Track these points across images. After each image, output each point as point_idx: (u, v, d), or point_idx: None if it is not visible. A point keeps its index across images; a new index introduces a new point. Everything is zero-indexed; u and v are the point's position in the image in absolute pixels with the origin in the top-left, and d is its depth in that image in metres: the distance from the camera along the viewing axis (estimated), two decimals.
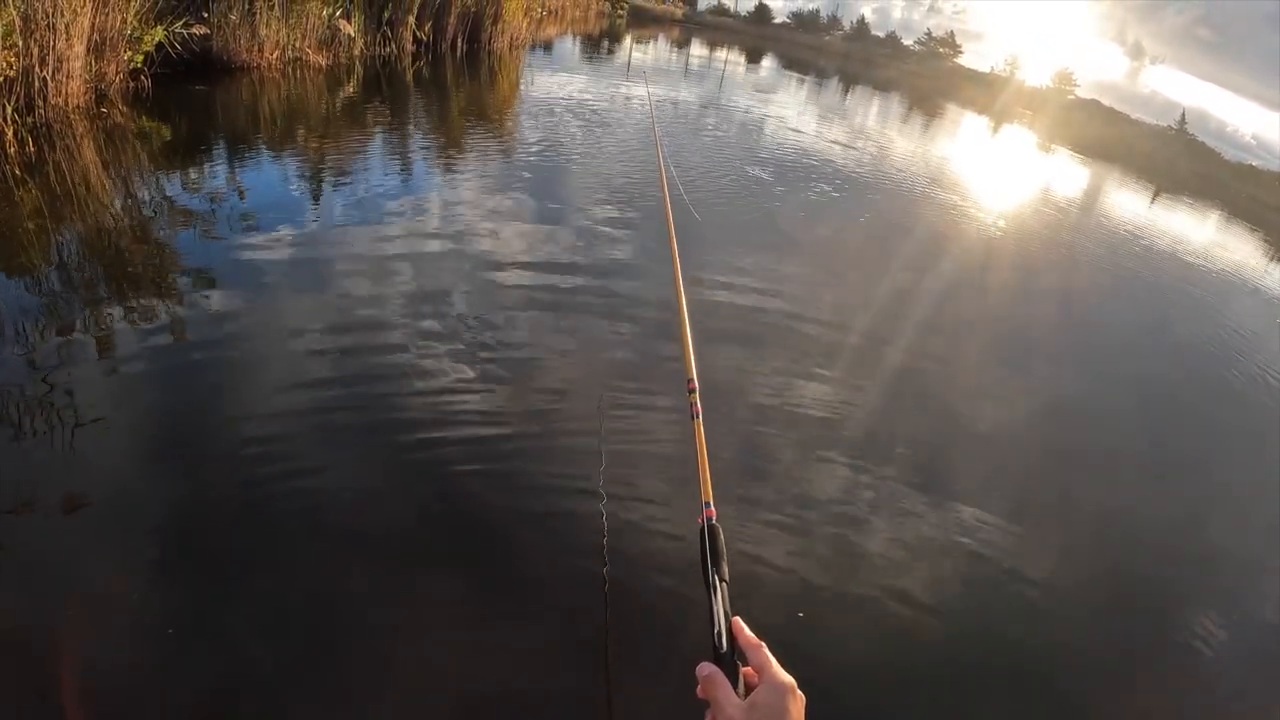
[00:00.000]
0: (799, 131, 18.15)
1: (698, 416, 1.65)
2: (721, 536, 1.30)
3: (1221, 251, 19.16)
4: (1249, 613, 5.22)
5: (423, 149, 9.84)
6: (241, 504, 3.58)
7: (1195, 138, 50.40)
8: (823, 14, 70.50)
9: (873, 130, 23.01)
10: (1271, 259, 21.28)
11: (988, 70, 60.74)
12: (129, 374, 4.24)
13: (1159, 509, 5.99)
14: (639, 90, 18.23)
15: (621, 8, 39.93)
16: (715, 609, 1.17)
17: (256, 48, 11.24)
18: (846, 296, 8.12)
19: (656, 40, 34.47)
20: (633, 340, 5.93)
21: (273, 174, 7.70)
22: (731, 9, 65.49)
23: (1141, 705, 4.14)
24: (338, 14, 13.07)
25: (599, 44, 25.71)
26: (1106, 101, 55.91)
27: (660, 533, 4.05)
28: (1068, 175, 25.42)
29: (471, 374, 5.01)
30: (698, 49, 38.16)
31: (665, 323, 6.24)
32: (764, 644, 1.12)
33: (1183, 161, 44.07)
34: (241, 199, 6.76)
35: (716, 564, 1.25)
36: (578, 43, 25.01)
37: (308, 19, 12.24)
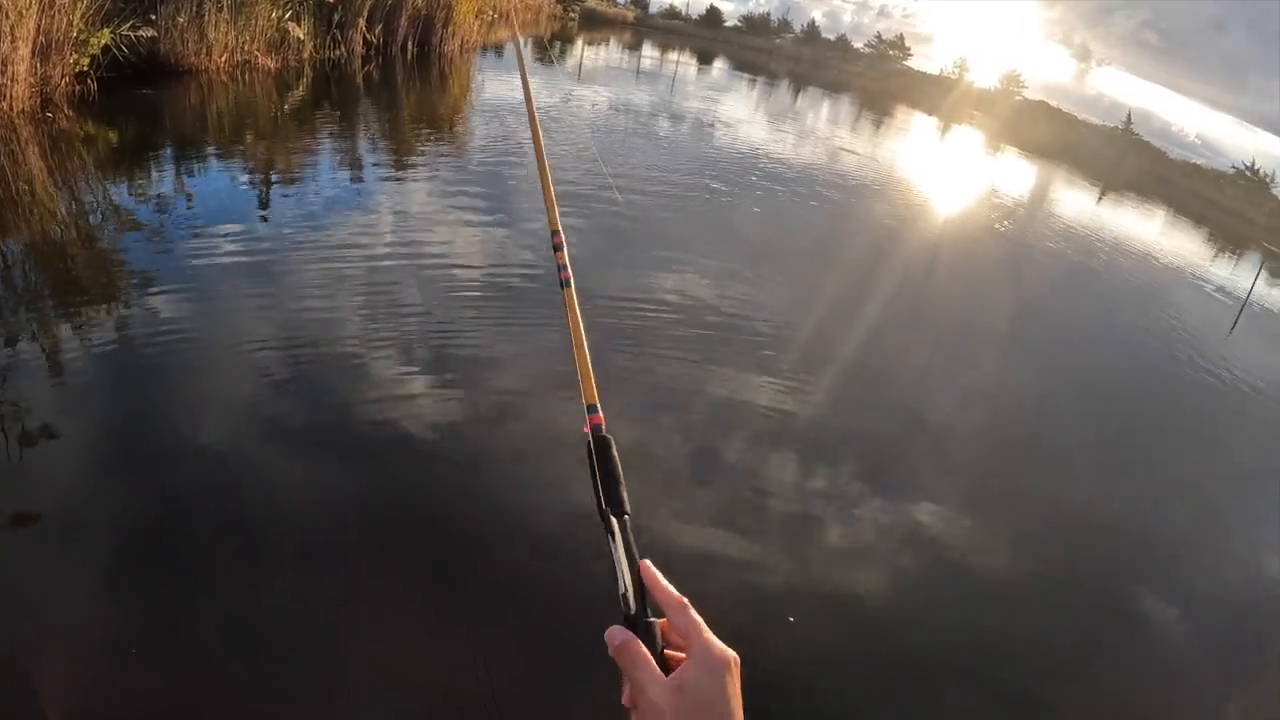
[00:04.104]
0: (749, 132, 18.34)
1: (568, 284, 1.27)
2: (615, 452, 1.00)
3: (1167, 246, 19.63)
4: (1199, 595, 5.40)
5: (372, 154, 9.89)
6: (195, 514, 3.56)
7: (1141, 137, 51.25)
8: (774, 17, 71.03)
9: (822, 131, 23.28)
10: (1215, 253, 21.83)
11: (937, 72, 61.51)
12: (76, 384, 4.21)
13: (1108, 496, 6.16)
14: (588, 93, 18.33)
15: (573, 11, 39.96)
16: (616, 555, 0.91)
17: (205, 51, 11.19)
18: (795, 294, 8.26)
19: (608, 43, 34.56)
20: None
21: (221, 180, 7.68)
22: (683, 12, 65.76)
23: (1096, 689, 4.25)
24: (287, 16, 13.02)
25: (550, 47, 25.73)
26: (1054, 102, 56.77)
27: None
28: (1016, 174, 25.87)
29: (424, 377, 5.04)
30: (649, 51, 38.34)
31: (617, 327, 6.34)
32: (687, 601, 0.89)
33: (1129, 160, 44.91)
34: (189, 205, 6.73)
35: (612, 491, 0.95)
36: (529, 46, 25.01)
37: (257, 21, 12.19)
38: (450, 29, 19.47)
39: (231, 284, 5.57)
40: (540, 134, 1.58)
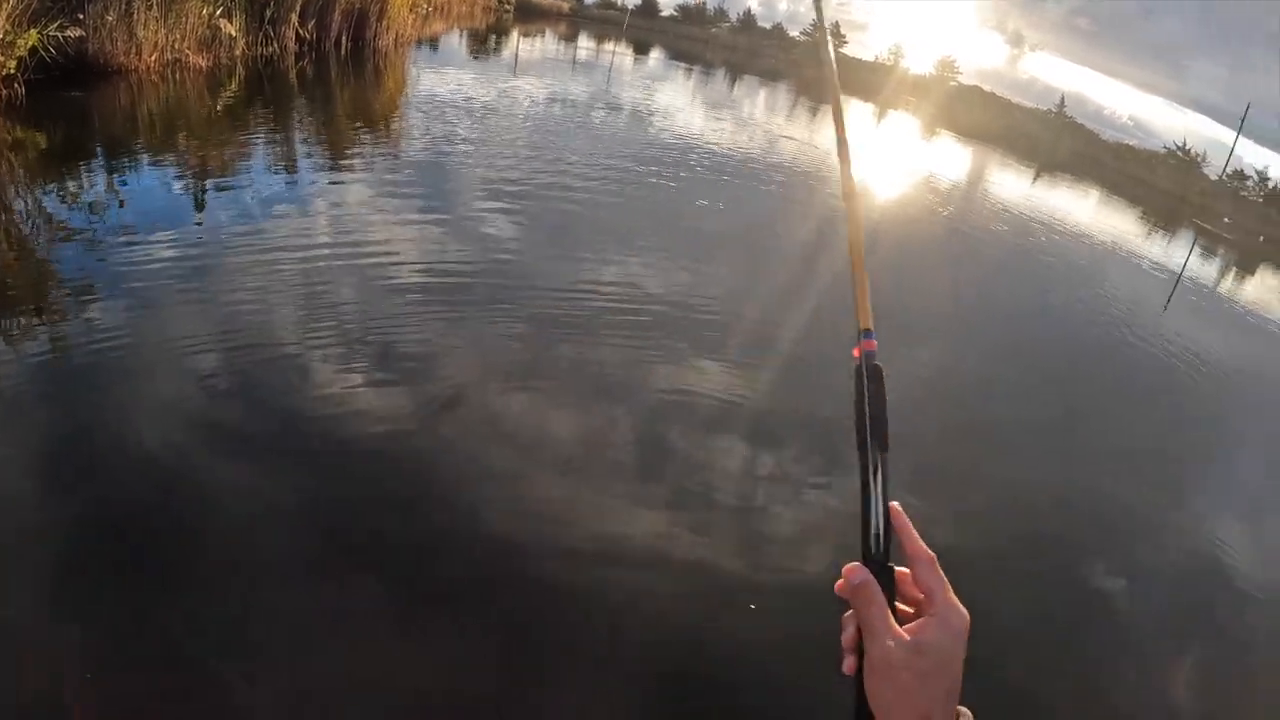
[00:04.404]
0: (687, 121, 18.51)
1: (848, 160, 1.01)
2: (884, 384, 0.92)
3: (1102, 226, 20.14)
4: (1148, 563, 5.60)
5: (308, 153, 9.89)
6: (140, 527, 3.50)
7: (1074, 119, 52.27)
8: (709, 6, 71.09)
9: (760, 118, 23.52)
10: (1149, 231, 22.43)
11: (872, 59, 61.98)
12: (8, 395, 4.13)
13: (1055, 471, 6.36)
14: (525, 85, 18.34)
15: (508, 3, 39.77)
16: (874, 492, 0.87)
17: (134, 50, 11.05)
18: (737, 281, 8.43)
19: (544, 35, 34.47)
20: (524, 332, 6.08)
21: (154, 182, 7.62)
22: (619, 3, 65.56)
23: (1052, 660, 4.40)
24: (218, 13, 12.88)
25: (485, 40, 25.63)
26: (988, 87, 57.64)
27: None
28: (953, 158, 26.35)
29: (369, 375, 5.04)
30: (586, 42, 38.29)
31: (562, 318, 6.44)
32: (935, 556, 0.86)
33: (1063, 142, 45.93)
34: (122, 210, 6.69)
35: (879, 425, 0.89)
36: (464, 39, 24.91)
37: (187, 19, 12.05)
38: (385, 23, 19.31)
39: (169, 288, 5.52)
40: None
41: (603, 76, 25.15)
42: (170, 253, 6.05)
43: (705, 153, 14.71)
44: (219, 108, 11.05)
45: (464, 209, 8.40)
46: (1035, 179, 27.06)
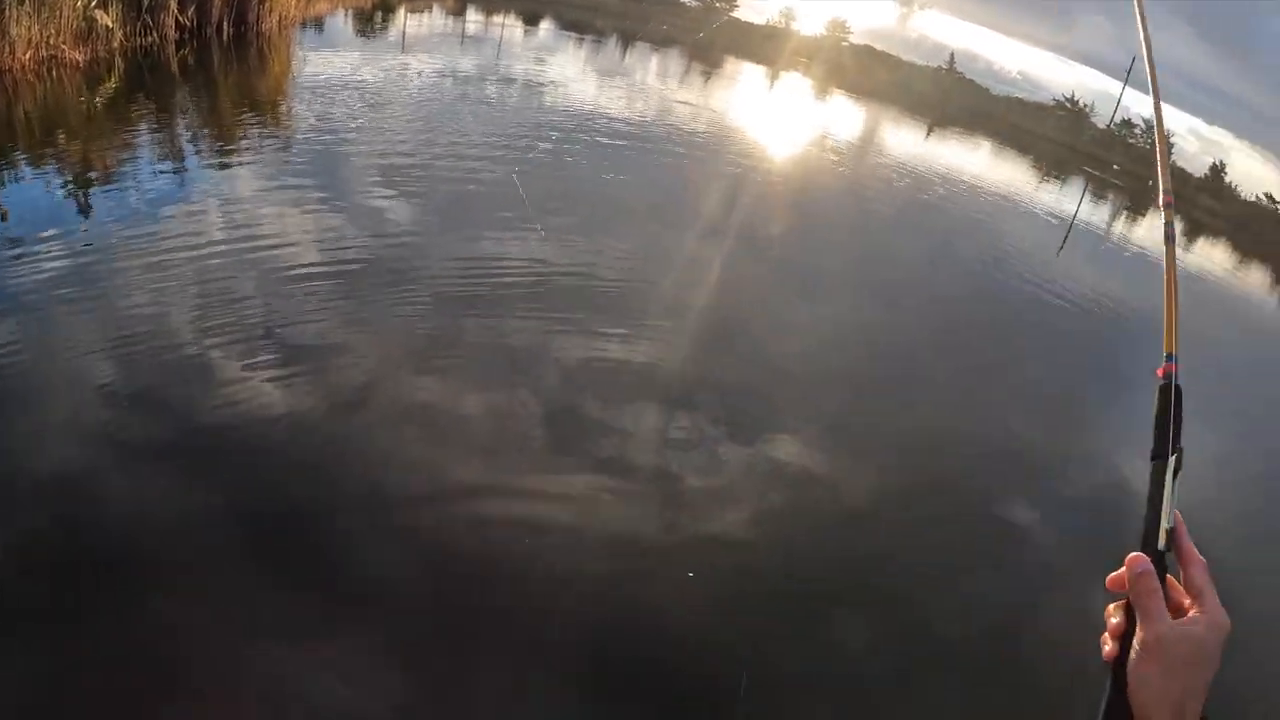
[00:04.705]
0: (582, 91, 18.75)
1: (1173, 240, 1.19)
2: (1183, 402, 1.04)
3: (996, 177, 20.88)
4: (1055, 495, 5.93)
5: (194, 145, 9.93)
6: (39, 551, 3.48)
7: (964, 75, 53.56)
8: None
9: (655, 85, 23.78)
10: (1041, 180, 23.30)
11: (764, 22, 62.24)
12: None
13: (961, 414, 6.69)
14: (414, 62, 18.28)
15: None
16: (1168, 493, 0.97)
17: (7, 48, 10.87)
18: (641, 248, 8.67)
19: (431, 10, 34.01)
20: (428, 313, 6.23)
21: (35, 186, 7.46)
22: None
23: (970, 594, 4.66)
24: (94, 4, 12.64)
25: (372, 18, 25.30)
26: (879, 46, 58.44)
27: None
28: (847, 117, 26.98)
29: (269, 370, 5.07)
30: (474, 15, 37.88)
31: (466, 295, 6.59)
32: (1207, 563, 0.94)
33: (954, 98, 47.26)
34: (2, 217, 6.51)
35: (1178, 436, 1.01)
36: (350, 17, 24.55)
37: (61, 12, 11.83)
38: (268, 5, 18.99)
39: (59, 297, 5.43)
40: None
41: (493, 50, 25.08)
42: (58, 262, 5.94)
43: (600, 122, 14.97)
44: (99, 104, 10.96)
45: (359, 192, 8.50)
46: (929, 134, 27.87)
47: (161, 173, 8.38)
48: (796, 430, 5.75)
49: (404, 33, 24.98)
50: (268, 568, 3.70)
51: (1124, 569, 0.93)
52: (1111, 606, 0.96)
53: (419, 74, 16.98)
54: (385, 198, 8.40)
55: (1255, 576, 5.50)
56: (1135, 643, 0.89)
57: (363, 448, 4.60)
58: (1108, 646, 0.93)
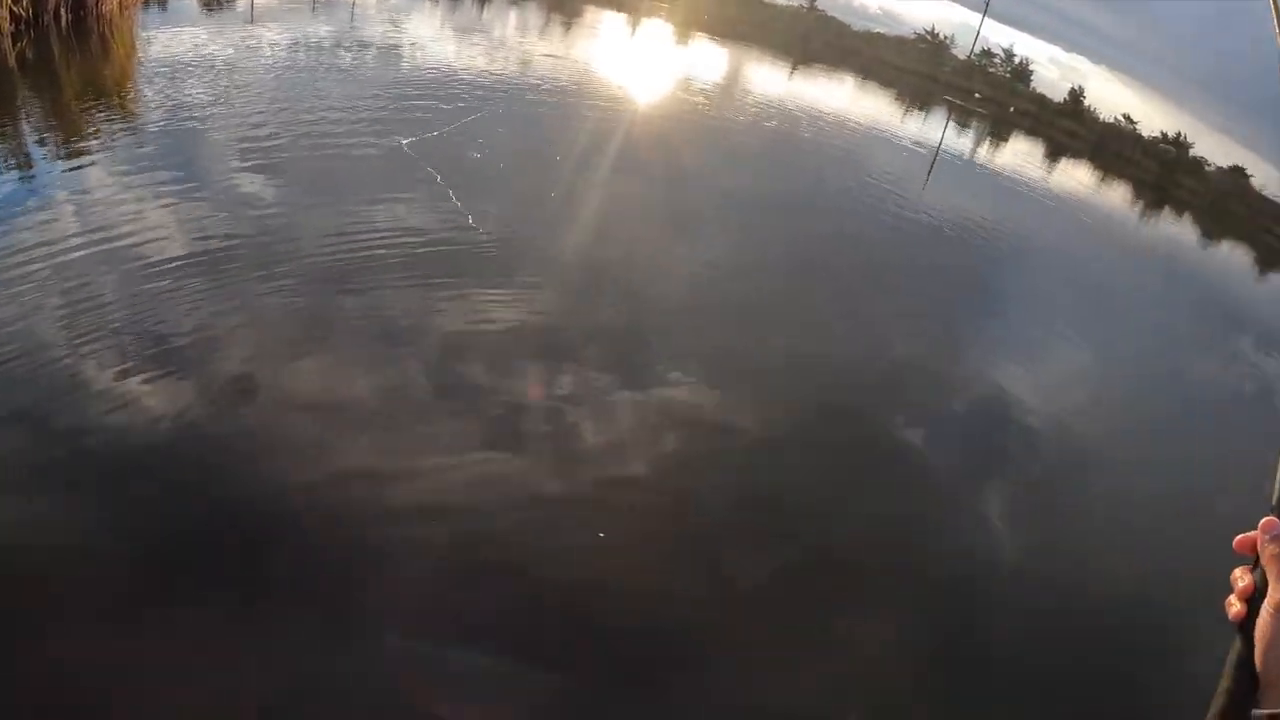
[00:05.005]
0: (442, 50, 18.91)
1: None
2: None
3: (862, 111, 21.36)
4: (941, 412, 6.20)
5: (39, 141, 9.59)
6: None
7: (825, 13, 54.15)
8: None
9: (515, 40, 23.68)
10: (905, 112, 23.92)
11: None
12: None
13: (843, 342, 6.91)
14: (265, 34, 17.88)
15: None
16: None
17: None
18: (512, 204, 8.86)
19: None
20: (302, 291, 6.21)
21: None
22: None
23: (866, 517, 4.91)
24: None
25: None
26: None
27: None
28: (711, 59, 27.13)
29: (143, 369, 5.03)
30: None
31: (339, 270, 6.57)
32: None
33: (815, 35, 47.93)
34: None
35: None
36: None
37: None
38: None
39: None
40: None
41: (346, 15, 24.57)
42: None
43: (466, 80, 15.06)
44: None
45: (219, 174, 8.47)
46: (792, 72, 28.31)
47: (5, 175, 7.96)
48: (685, 369, 5.94)
49: (252, 3, 24.27)
50: (162, 577, 3.73)
51: (1256, 531, 0.98)
52: (1238, 570, 1.01)
53: (272, 45, 16.75)
54: (245, 177, 8.36)
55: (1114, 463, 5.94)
56: (1266, 603, 0.94)
57: (245, 442, 4.59)
58: (1235, 607, 0.98)
